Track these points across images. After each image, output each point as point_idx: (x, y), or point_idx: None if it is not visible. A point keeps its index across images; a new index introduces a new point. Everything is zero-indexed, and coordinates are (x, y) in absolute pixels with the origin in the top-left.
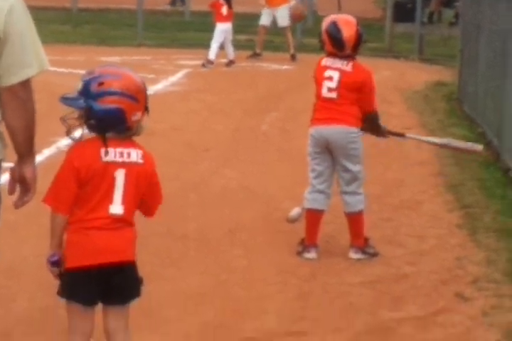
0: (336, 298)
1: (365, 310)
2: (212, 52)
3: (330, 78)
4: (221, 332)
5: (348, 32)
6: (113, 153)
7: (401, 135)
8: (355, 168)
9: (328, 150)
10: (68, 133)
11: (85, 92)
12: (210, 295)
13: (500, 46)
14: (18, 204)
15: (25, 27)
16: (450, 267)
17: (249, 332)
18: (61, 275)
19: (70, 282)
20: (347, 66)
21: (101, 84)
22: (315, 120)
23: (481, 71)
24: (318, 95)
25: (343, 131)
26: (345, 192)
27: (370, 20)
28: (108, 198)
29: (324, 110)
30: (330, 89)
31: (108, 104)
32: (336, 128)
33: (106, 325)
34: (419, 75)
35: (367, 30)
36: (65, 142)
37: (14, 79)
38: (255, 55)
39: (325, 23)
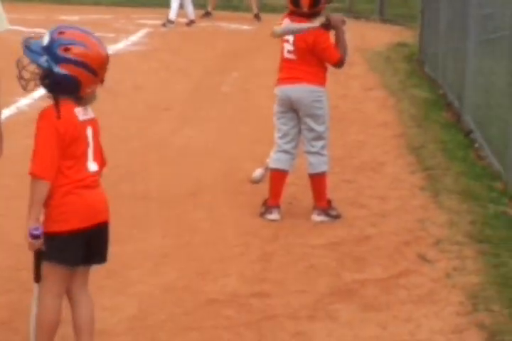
0: (299, 259)
1: (328, 271)
2: (173, 12)
3: (287, 41)
4: (184, 293)
5: None
6: (81, 112)
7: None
8: (319, 127)
9: (293, 110)
10: (24, 87)
11: (50, 52)
12: (173, 257)
13: (461, 7)
14: None
15: None
16: (412, 229)
17: (212, 294)
18: (49, 239)
19: (62, 245)
20: None
21: (67, 49)
22: (279, 80)
23: (442, 32)
24: (281, 56)
25: (307, 90)
26: (309, 152)
27: None
28: (86, 156)
29: (287, 70)
30: (289, 51)
31: (68, 71)
32: (299, 87)
33: (72, 285)
34: (380, 36)
35: None
36: (25, 102)
37: None
38: (207, 14)
39: None
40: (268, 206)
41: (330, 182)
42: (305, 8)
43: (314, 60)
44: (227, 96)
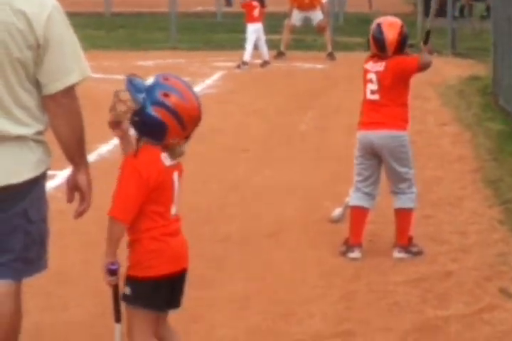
0: (382, 297)
1: (411, 308)
2: (247, 54)
3: (371, 80)
4: (269, 336)
5: (390, 34)
6: (168, 157)
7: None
8: (403, 169)
9: (375, 154)
10: (113, 124)
11: (150, 92)
12: (256, 299)
13: None
14: (75, 215)
15: (65, 33)
16: (494, 263)
17: (297, 335)
18: (137, 284)
19: (150, 290)
20: (381, 67)
21: (166, 95)
22: (361, 124)
23: None
24: (364, 97)
25: (391, 136)
26: (395, 192)
27: (400, 16)
28: (172, 201)
29: (370, 113)
30: (372, 91)
31: (159, 115)
32: (383, 133)
33: (160, 331)
34: (453, 70)
35: None
36: (105, 148)
37: (57, 86)
38: (280, 54)
39: (372, 25)
40: (349, 245)
41: None
42: (390, 53)
43: (400, 96)
44: (304, 136)
